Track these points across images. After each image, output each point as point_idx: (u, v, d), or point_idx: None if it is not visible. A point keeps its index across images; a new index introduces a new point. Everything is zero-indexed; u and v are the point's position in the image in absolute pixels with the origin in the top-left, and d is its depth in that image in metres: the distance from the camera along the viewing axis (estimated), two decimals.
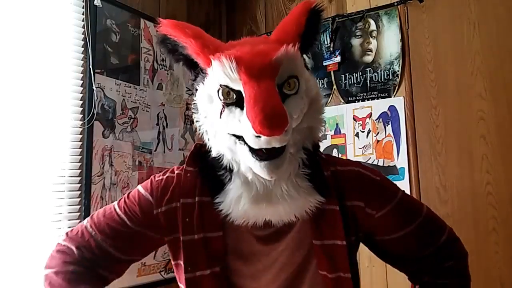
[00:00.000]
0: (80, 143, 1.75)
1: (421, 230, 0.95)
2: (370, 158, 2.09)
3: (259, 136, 0.73)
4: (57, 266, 0.91)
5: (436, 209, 1.92)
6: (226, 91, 0.79)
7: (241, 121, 0.76)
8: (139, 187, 0.95)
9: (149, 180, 0.96)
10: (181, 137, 2.25)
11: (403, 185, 1.97)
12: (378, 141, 2.09)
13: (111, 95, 1.89)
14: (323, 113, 0.87)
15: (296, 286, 0.88)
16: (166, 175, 0.94)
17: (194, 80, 0.90)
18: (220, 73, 0.77)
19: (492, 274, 1.77)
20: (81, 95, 1.77)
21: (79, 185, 1.73)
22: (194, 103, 0.89)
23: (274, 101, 0.73)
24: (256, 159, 0.77)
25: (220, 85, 0.79)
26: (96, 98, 1.79)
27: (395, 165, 2.03)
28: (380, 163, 2.06)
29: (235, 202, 0.82)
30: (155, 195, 0.91)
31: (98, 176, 1.79)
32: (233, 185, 0.83)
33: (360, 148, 2.13)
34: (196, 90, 0.88)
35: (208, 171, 0.87)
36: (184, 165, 0.93)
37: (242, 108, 0.77)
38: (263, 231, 0.87)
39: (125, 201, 0.95)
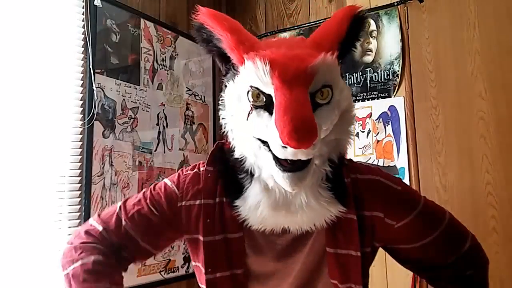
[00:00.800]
0: (80, 143, 1.74)
1: (443, 238, 0.92)
2: (370, 158, 2.09)
3: (286, 147, 0.70)
4: (81, 252, 0.89)
5: None
6: (256, 93, 0.76)
7: (268, 127, 0.73)
8: (166, 180, 0.95)
9: (176, 173, 0.95)
10: (181, 137, 2.25)
11: None
12: (378, 141, 2.09)
13: (111, 95, 1.89)
14: (353, 124, 0.85)
15: None
16: (194, 170, 0.94)
17: (224, 75, 0.87)
18: (252, 74, 0.74)
19: (492, 274, 1.75)
20: (81, 95, 1.77)
21: (79, 185, 1.73)
22: (221, 99, 0.86)
23: (305, 112, 0.70)
24: (280, 169, 0.74)
25: (251, 87, 0.76)
26: (96, 98, 1.79)
27: (395, 165, 2.03)
28: (380, 163, 2.06)
29: (254, 208, 0.80)
30: (181, 188, 0.91)
31: (98, 176, 1.79)
32: (252, 191, 0.81)
33: (360, 148, 2.13)
34: (226, 86, 0.85)
35: (228, 173, 0.86)
36: (205, 164, 0.92)
37: (270, 113, 0.74)
38: (280, 237, 0.87)
39: (151, 192, 0.94)
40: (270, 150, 0.75)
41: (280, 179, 0.75)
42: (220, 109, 0.87)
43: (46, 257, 1.58)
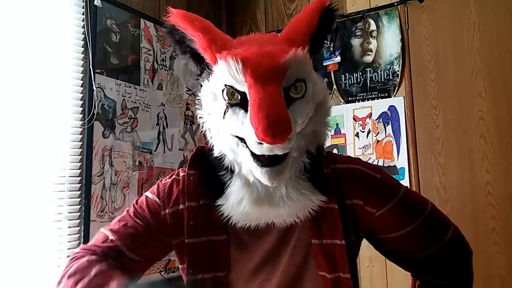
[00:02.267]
0: (80, 143, 1.74)
1: (424, 228, 0.92)
2: (370, 158, 2.09)
3: (261, 143, 0.71)
4: (73, 260, 0.87)
5: None
6: (231, 91, 0.76)
7: (244, 124, 0.74)
8: (147, 193, 0.95)
9: (155, 185, 0.96)
10: (181, 137, 2.25)
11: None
12: (378, 141, 2.09)
13: (111, 95, 1.88)
14: (329, 116, 0.85)
15: (297, 287, 0.87)
16: (172, 177, 0.94)
17: (199, 75, 0.88)
18: (226, 73, 0.75)
19: (492, 274, 1.77)
20: (81, 95, 1.77)
21: (79, 185, 1.73)
22: (198, 99, 0.87)
23: (279, 108, 0.71)
24: (258, 164, 0.75)
25: (225, 85, 0.77)
26: (96, 98, 1.79)
27: (395, 165, 2.03)
28: (380, 163, 2.06)
29: (237, 205, 0.81)
30: (162, 197, 0.91)
31: (98, 176, 1.79)
32: (234, 187, 0.82)
33: (360, 148, 2.13)
34: (201, 86, 0.85)
35: (209, 174, 0.86)
36: (186, 168, 0.92)
37: (246, 110, 0.75)
38: (265, 233, 0.87)
39: (134, 207, 0.94)
40: (247, 146, 0.76)
41: (259, 174, 0.76)
42: (197, 108, 0.87)
43: (46, 257, 1.58)
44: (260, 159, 0.75)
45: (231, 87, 0.76)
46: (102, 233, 0.92)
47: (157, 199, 0.92)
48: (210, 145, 0.85)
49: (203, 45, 0.80)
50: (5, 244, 1.46)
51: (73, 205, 1.70)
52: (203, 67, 0.85)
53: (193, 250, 0.86)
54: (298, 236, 0.87)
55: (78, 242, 1.69)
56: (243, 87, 0.75)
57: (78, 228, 1.70)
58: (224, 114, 0.78)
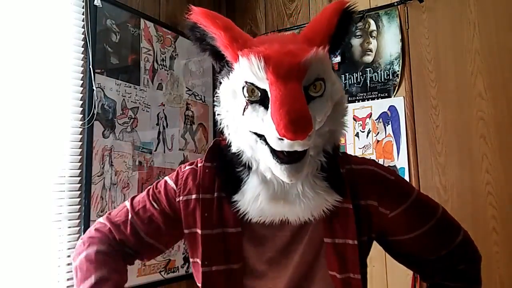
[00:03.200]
0: (80, 143, 1.74)
1: (435, 231, 0.93)
2: (370, 158, 2.09)
3: (282, 139, 0.72)
4: (87, 245, 0.93)
5: None
6: (251, 88, 0.78)
7: (264, 121, 0.76)
8: (166, 178, 0.98)
9: (176, 171, 0.98)
10: (181, 137, 2.25)
11: None
12: (378, 141, 2.09)
13: (111, 95, 1.88)
14: (346, 116, 0.86)
15: (306, 286, 0.88)
16: (191, 166, 0.96)
17: (219, 72, 0.89)
18: (247, 70, 0.76)
19: (492, 274, 1.77)
20: (81, 95, 1.77)
21: (79, 185, 1.73)
22: (216, 96, 0.88)
23: (300, 105, 0.72)
24: (277, 161, 0.76)
25: (246, 82, 0.78)
26: (96, 98, 1.79)
27: (395, 165, 2.03)
28: (380, 163, 2.06)
29: (253, 201, 0.82)
30: (179, 184, 0.94)
31: (98, 176, 1.79)
32: (251, 184, 0.83)
33: (360, 148, 2.13)
34: (220, 83, 0.87)
35: (226, 168, 0.87)
36: (203, 160, 0.94)
37: (266, 107, 0.76)
38: (279, 229, 0.88)
39: (153, 189, 0.98)
40: (266, 143, 0.77)
41: (278, 171, 0.77)
42: (215, 105, 0.88)
43: (46, 257, 1.58)
44: (279, 156, 0.76)
45: (252, 84, 0.77)
46: (125, 208, 0.97)
47: (175, 186, 0.94)
48: (228, 141, 0.86)
49: (225, 42, 0.81)
50: (5, 244, 1.46)
51: (73, 205, 1.70)
52: (222, 65, 0.87)
53: (208, 242, 0.87)
54: (311, 234, 0.88)
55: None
56: (264, 84, 0.76)
57: (78, 228, 1.70)
58: (244, 111, 0.79)
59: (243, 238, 0.88)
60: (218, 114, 0.87)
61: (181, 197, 0.92)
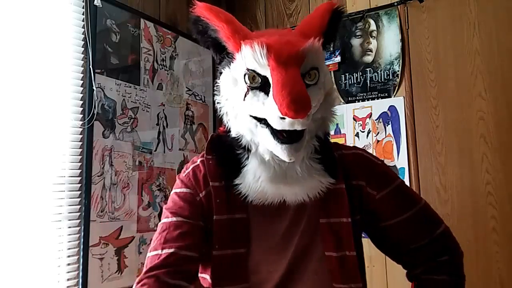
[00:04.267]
0: (80, 143, 1.74)
1: (418, 218, 0.98)
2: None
3: (284, 118, 0.78)
4: None
5: (436, 209, 1.90)
6: (253, 75, 0.84)
7: (265, 104, 0.82)
8: (174, 190, 0.96)
9: (177, 181, 0.97)
10: (181, 137, 2.25)
11: None
12: (378, 141, 2.09)
13: (111, 95, 1.88)
14: (335, 105, 0.93)
15: (303, 266, 0.91)
16: (191, 166, 0.98)
17: (219, 63, 0.95)
18: (250, 57, 0.83)
19: (492, 274, 1.77)
20: (81, 95, 1.77)
21: (79, 185, 1.72)
22: (216, 86, 0.93)
23: (300, 86, 0.79)
24: (278, 141, 0.82)
25: (248, 69, 0.84)
26: (96, 98, 1.79)
27: (395, 165, 2.03)
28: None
29: (254, 183, 0.86)
30: (191, 185, 0.94)
31: (98, 176, 1.79)
32: (250, 166, 0.87)
33: None
34: (221, 73, 0.92)
35: (226, 155, 0.91)
36: (204, 154, 0.96)
37: (266, 93, 0.82)
38: (280, 215, 0.91)
39: (166, 210, 0.94)
40: (267, 126, 0.83)
41: (279, 151, 0.82)
42: (215, 94, 0.94)
43: (46, 257, 1.58)
44: (280, 137, 0.81)
45: (253, 71, 0.84)
46: (150, 256, 0.89)
47: (187, 190, 0.94)
48: (227, 128, 0.91)
49: (227, 34, 0.88)
50: (5, 244, 1.46)
51: (73, 205, 1.70)
52: (223, 57, 0.93)
53: (220, 227, 0.90)
54: (308, 217, 0.92)
55: (78, 242, 1.69)
56: (265, 71, 0.82)
57: (78, 228, 1.70)
58: (245, 97, 0.84)
59: (249, 224, 0.91)
60: (218, 103, 0.92)
61: (200, 194, 0.93)
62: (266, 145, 0.85)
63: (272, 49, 0.81)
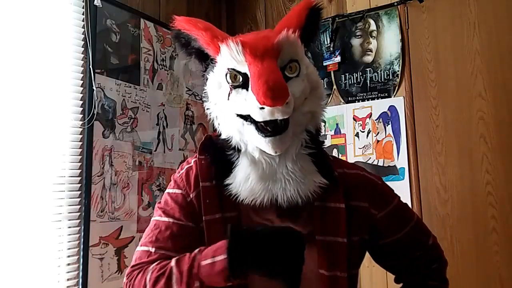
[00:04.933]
0: (80, 143, 1.74)
1: (414, 233, 1.02)
2: (370, 158, 2.09)
3: (263, 108, 0.79)
4: None
5: (436, 209, 1.93)
6: (233, 74, 0.86)
7: (247, 100, 0.83)
8: (167, 190, 0.98)
9: (171, 181, 0.99)
10: (181, 137, 2.25)
11: (403, 185, 1.97)
12: (378, 141, 2.09)
13: (111, 95, 1.88)
14: (323, 100, 0.94)
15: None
16: (184, 167, 0.99)
17: (204, 71, 0.97)
18: (228, 56, 0.85)
19: (492, 274, 1.77)
20: (81, 95, 1.77)
21: (79, 185, 1.73)
22: (204, 92, 0.95)
23: (276, 75, 0.80)
24: (262, 135, 0.83)
25: (228, 69, 0.86)
26: (96, 98, 1.79)
27: (395, 165, 2.03)
28: (380, 163, 2.06)
29: (244, 182, 0.86)
30: (183, 186, 0.95)
31: (98, 176, 1.79)
32: (241, 165, 0.88)
33: (360, 148, 2.13)
34: (207, 79, 0.94)
35: (218, 156, 0.92)
36: (197, 155, 0.97)
37: (247, 89, 0.84)
38: (272, 213, 0.90)
39: (159, 208, 0.96)
40: (252, 122, 0.84)
41: (263, 144, 0.84)
42: (204, 101, 0.96)
43: (46, 257, 1.58)
44: (264, 131, 0.83)
45: (233, 69, 0.86)
46: (139, 251, 0.93)
47: (179, 190, 0.95)
48: (218, 131, 0.93)
49: (206, 40, 0.90)
50: (5, 244, 1.46)
51: (73, 205, 1.70)
52: (207, 64, 0.95)
53: (210, 226, 0.90)
54: (302, 229, 0.88)
55: (78, 242, 1.69)
56: (244, 67, 0.84)
57: (78, 228, 1.70)
58: (229, 96, 0.86)
59: (241, 223, 0.91)
60: (207, 108, 0.94)
61: (191, 195, 0.93)
62: (253, 142, 0.86)
63: (247, 44, 0.83)
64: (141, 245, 0.94)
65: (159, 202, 0.98)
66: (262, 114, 0.81)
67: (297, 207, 0.87)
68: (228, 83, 0.86)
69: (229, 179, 0.88)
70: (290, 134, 0.85)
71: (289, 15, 0.95)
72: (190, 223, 0.92)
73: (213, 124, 0.94)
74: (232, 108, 0.87)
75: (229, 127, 0.89)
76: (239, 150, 0.89)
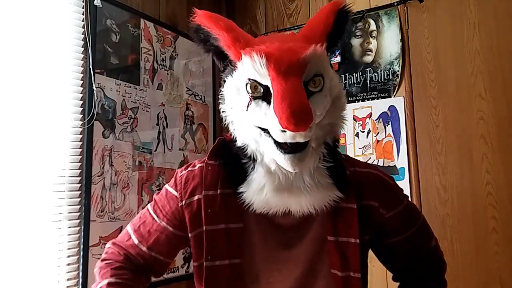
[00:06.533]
0: (80, 143, 1.74)
1: (419, 233, 1.02)
2: (370, 158, 2.09)
3: (285, 131, 0.76)
4: (100, 279, 0.94)
5: (436, 209, 1.93)
6: (254, 85, 0.82)
7: (267, 115, 0.80)
8: (166, 186, 0.99)
9: (174, 177, 0.99)
10: (181, 137, 2.25)
11: (403, 185, 1.97)
12: (378, 141, 2.09)
13: (111, 95, 1.88)
14: (344, 110, 0.90)
15: (310, 284, 0.89)
16: (188, 169, 0.97)
17: (222, 71, 0.93)
18: (250, 67, 0.81)
19: (492, 274, 1.77)
20: (81, 95, 1.77)
21: (79, 185, 1.72)
22: (221, 94, 0.92)
23: (301, 98, 0.76)
24: (281, 151, 0.80)
25: (249, 79, 0.82)
26: (96, 98, 1.79)
27: (395, 165, 2.03)
28: (380, 163, 2.06)
29: (258, 192, 0.85)
30: (180, 189, 0.94)
31: (98, 176, 1.79)
32: (256, 175, 0.86)
33: (360, 148, 2.13)
34: (224, 81, 0.91)
35: (231, 162, 0.90)
36: (206, 159, 0.95)
37: (268, 103, 0.80)
38: (281, 226, 0.89)
39: (155, 201, 0.99)
40: (270, 136, 0.81)
41: (282, 161, 0.81)
42: (220, 103, 0.92)
43: (46, 257, 1.58)
44: (283, 147, 0.80)
45: (255, 81, 0.82)
46: (126, 230, 0.99)
47: (175, 192, 0.95)
48: (233, 136, 0.90)
49: (228, 42, 0.86)
50: (5, 244, 1.46)
51: (73, 205, 1.70)
52: (226, 64, 0.91)
53: (212, 237, 0.89)
54: (314, 232, 0.90)
55: (78, 242, 1.69)
56: (266, 80, 0.80)
57: (78, 228, 1.70)
58: (248, 107, 0.83)
59: (246, 233, 0.90)
60: (223, 111, 0.91)
61: (183, 202, 0.93)
62: (270, 155, 0.83)
63: (272, 58, 0.78)
64: (130, 225, 0.99)
65: (158, 193, 1.00)
66: (283, 137, 0.78)
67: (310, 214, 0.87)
68: (248, 93, 0.83)
69: (242, 187, 0.87)
70: (309, 151, 0.82)
71: (315, 19, 0.90)
72: (171, 228, 0.95)
73: (227, 127, 0.91)
74: (250, 119, 0.84)
75: (245, 135, 0.86)
76: (254, 159, 0.87)
